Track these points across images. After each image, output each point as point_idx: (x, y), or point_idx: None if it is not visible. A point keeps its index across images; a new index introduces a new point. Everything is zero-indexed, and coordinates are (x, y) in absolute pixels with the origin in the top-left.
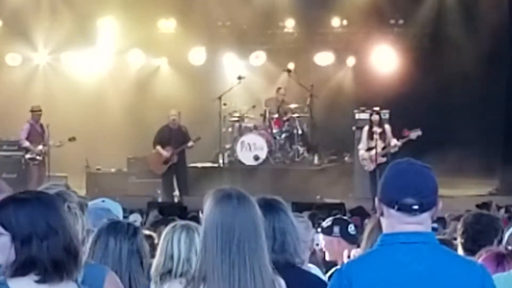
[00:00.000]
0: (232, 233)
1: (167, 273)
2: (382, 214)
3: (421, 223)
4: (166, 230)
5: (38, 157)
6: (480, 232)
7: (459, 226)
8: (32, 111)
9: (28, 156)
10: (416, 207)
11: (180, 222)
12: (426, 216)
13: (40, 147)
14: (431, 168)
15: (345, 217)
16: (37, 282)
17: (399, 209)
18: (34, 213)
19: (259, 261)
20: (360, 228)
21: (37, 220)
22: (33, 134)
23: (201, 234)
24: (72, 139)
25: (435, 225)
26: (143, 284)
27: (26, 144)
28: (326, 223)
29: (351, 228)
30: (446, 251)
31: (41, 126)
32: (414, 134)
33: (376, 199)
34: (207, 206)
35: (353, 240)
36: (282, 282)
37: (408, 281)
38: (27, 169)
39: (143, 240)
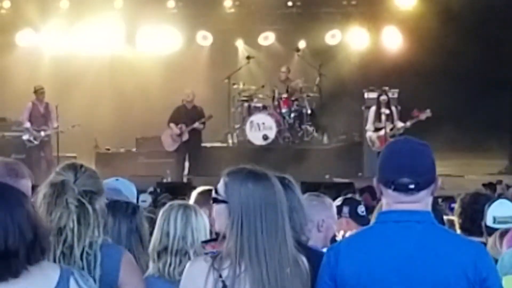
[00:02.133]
0: (257, 209)
1: (163, 250)
2: (381, 193)
3: (419, 201)
4: (163, 209)
5: (34, 141)
6: (478, 212)
7: (457, 206)
8: (34, 91)
9: (25, 137)
10: (412, 186)
11: (177, 202)
12: (423, 194)
13: (42, 133)
14: (428, 145)
15: (356, 198)
16: None
17: (395, 189)
18: None
19: (284, 234)
20: (370, 207)
21: None
22: (34, 115)
23: (229, 213)
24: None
25: (453, 204)
26: (144, 261)
27: (27, 125)
28: (336, 202)
29: (361, 209)
30: (442, 231)
31: (46, 106)
32: (424, 115)
33: (374, 179)
34: (228, 185)
35: (362, 221)
36: (305, 259)
37: (394, 260)
38: (24, 149)
39: (142, 219)
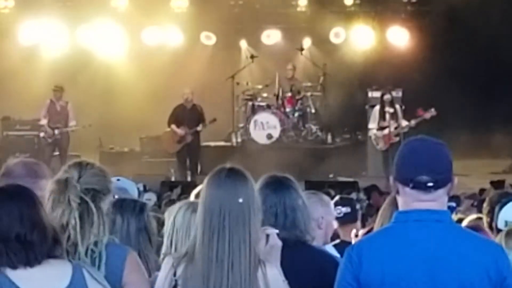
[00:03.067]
0: (214, 204)
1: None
2: (397, 192)
3: (436, 200)
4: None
5: (49, 139)
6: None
7: (485, 205)
8: (53, 89)
9: (41, 134)
10: (430, 184)
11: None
12: (441, 192)
13: (56, 131)
14: (445, 144)
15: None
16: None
17: (414, 187)
18: None
19: (239, 236)
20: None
21: None
22: (51, 113)
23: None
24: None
25: (453, 203)
26: (153, 260)
27: (43, 121)
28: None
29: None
30: (461, 230)
31: (64, 106)
32: (428, 114)
33: (391, 178)
34: (203, 187)
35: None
36: (271, 272)
37: (417, 259)
38: (40, 148)
39: (150, 217)
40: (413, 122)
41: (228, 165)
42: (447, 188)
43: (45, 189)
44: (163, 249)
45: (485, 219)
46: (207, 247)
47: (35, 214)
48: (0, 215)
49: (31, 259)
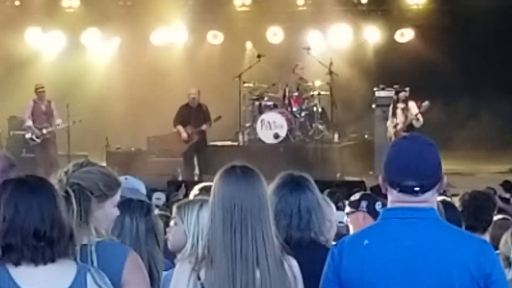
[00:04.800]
0: (233, 201)
1: None
2: (386, 190)
3: (424, 201)
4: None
5: (36, 139)
6: (480, 208)
7: (458, 205)
8: (35, 89)
9: (28, 135)
10: (417, 189)
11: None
12: (429, 194)
13: (44, 130)
14: (433, 144)
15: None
16: (15, 264)
17: (400, 191)
18: (8, 196)
19: (262, 232)
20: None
21: (7, 204)
22: (36, 113)
23: (209, 208)
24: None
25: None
26: (160, 261)
27: (29, 122)
28: (354, 197)
29: (379, 206)
30: (446, 227)
31: (48, 105)
32: (423, 108)
33: (380, 177)
34: (214, 180)
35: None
36: (294, 263)
37: (397, 257)
38: (30, 149)
39: (157, 218)
40: (420, 118)
41: (237, 163)
42: (436, 189)
43: None
44: (188, 246)
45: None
46: (230, 246)
47: (55, 210)
48: (18, 208)
49: (46, 257)
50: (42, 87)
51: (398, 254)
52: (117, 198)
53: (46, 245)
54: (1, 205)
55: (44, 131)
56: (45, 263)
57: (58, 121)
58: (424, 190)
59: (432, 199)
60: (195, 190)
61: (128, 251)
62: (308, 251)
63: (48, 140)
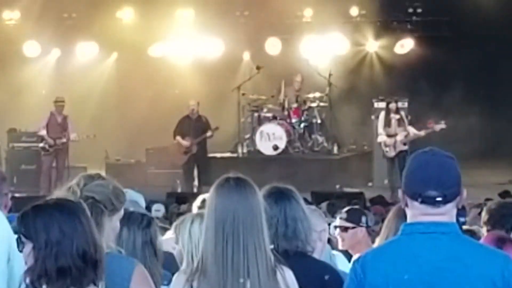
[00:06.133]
0: (226, 213)
1: None
2: (406, 205)
3: (444, 213)
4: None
5: (49, 148)
6: (505, 216)
7: (483, 214)
8: (55, 101)
9: (41, 145)
10: (439, 199)
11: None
12: (449, 206)
13: (58, 141)
14: (454, 157)
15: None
16: None
17: (422, 202)
18: (49, 219)
19: (254, 243)
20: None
21: (50, 227)
22: (51, 124)
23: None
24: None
25: (463, 218)
26: (158, 274)
27: (43, 132)
28: (348, 212)
29: (372, 221)
30: (468, 241)
31: (64, 118)
32: (438, 126)
33: (400, 191)
34: (209, 192)
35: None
36: (288, 273)
37: (421, 271)
38: (39, 159)
39: (157, 231)
40: (422, 132)
41: (232, 174)
42: (456, 202)
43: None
44: (184, 265)
45: (485, 228)
46: (221, 257)
47: (94, 232)
48: (64, 231)
49: (90, 280)
50: (62, 101)
51: (422, 268)
52: (122, 212)
53: (92, 267)
54: (41, 229)
55: (58, 141)
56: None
57: (73, 135)
58: (446, 201)
59: (453, 212)
60: (198, 202)
61: (135, 263)
62: (296, 260)
63: (60, 151)
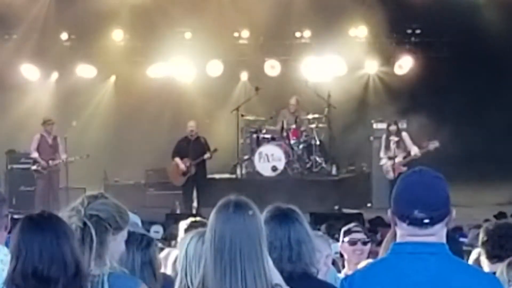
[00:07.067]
0: (223, 240)
1: None
2: (396, 224)
3: (433, 234)
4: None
5: (43, 170)
6: (504, 237)
7: (481, 235)
8: (43, 123)
9: (34, 167)
10: (427, 221)
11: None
12: (438, 227)
13: (50, 162)
14: (442, 178)
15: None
16: None
17: (410, 223)
18: (16, 236)
19: (253, 271)
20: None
21: (14, 244)
22: (42, 146)
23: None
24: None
25: (465, 239)
26: None
27: (35, 154)
28: (358, 230)
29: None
30: (456, 262)
31: (54, 139)
32: (432, 145)
33: (389, 211)
34: (210, 215)
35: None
36: None
37: None
38: (33, 181)
39: (156, 252)
40: (418, 153)
41: (233, 197)
42: (445, 222)
43: None
44: (177, 282)
45: (483, 249)
46: (220, 283)
47: (57, 247)
48: (20, 248)
49: None
50: (50, 120)
51: None
52: (126, 232)
53: (45, 286)
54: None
55: (51, 163)
56: None
57: (63, 156)
58: (433, 222)
59: (442, 232)
60: (183, 225)
61: (139, 283)
62: (301, 283)
63: (54, 173)
